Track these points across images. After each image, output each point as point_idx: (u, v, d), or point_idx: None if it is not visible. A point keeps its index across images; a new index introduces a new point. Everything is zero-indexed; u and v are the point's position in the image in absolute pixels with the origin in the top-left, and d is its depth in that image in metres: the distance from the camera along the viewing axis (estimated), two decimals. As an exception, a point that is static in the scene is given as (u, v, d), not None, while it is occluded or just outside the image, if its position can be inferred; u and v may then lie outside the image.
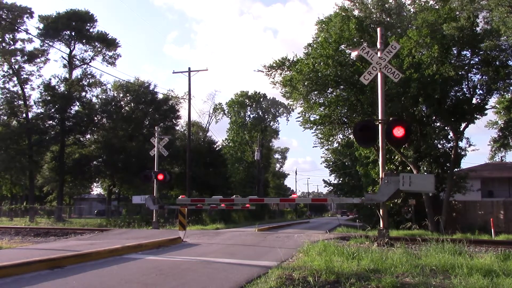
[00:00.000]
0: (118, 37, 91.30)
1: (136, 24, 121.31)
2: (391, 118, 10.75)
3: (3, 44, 40.59)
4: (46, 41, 42.08)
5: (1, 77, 41.04)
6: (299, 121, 27.30)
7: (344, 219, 61.87)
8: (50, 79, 42.63)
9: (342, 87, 26.06)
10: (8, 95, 40.94)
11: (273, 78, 30.71)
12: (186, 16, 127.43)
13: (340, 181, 52.76)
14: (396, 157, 26.67)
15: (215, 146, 50.76)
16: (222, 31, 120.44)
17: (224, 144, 64.88)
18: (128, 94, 46.10)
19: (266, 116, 69.92)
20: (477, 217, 27.24)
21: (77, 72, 44.69)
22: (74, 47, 44.53)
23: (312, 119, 26.68)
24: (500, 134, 26.88)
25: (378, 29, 11.32)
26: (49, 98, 40.81)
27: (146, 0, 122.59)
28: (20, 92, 41.59)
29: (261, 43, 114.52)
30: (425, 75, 22.38)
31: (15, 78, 41.32)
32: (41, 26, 42.14)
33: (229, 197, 15.43)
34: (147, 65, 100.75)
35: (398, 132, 10.15)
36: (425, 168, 25.90)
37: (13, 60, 40.66)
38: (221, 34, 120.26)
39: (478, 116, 25.04)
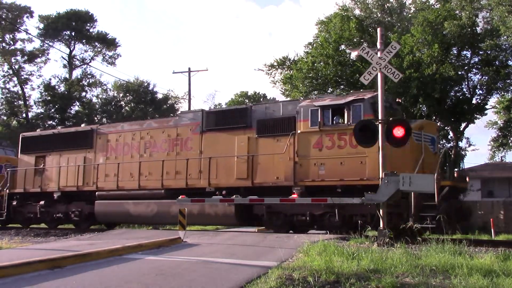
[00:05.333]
0: (117, 36, 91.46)
1: (134, 24, 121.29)
2: (391, 118, 10.73)
3: (3, 44, 40.56)
4: (46, 41, 42.10)
5: (1, 77, 41.05)
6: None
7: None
8: (50, 79, 42.61)
9: (342, 86, 26.05)
10: (8, 95, 40.92)
11: (273, 77, 30.77)
12: (182, 19, 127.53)
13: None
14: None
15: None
16: (218, 33, 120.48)
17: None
18: (128, 94, 46.09)
19: (266, 116, 69.77)
20: (477, 217, 27.20)
21: (77, 72, 44.75)
22: (74, 47, 44.56)
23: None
24: (500, 134, 26.91)
25: (378, 29, 11.32)
26: (49, 98, 40.77)
27: (142, 2, 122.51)
28: (20, 92, 41.57)
29: (258, 44, 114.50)
30: (425, 74, 22.38)
31: (15, 78, 41.29)
32: (41, 26, 42.15)
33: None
34: (145, 66, 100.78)
35: (398, 132, 10.15)
36: (425, 168, 25.87)
37: (13, 60, 40.61)
38: (218, 36, 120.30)
39: (478, 116, 25.10)
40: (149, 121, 17.85)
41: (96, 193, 16.60)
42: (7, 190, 18.38)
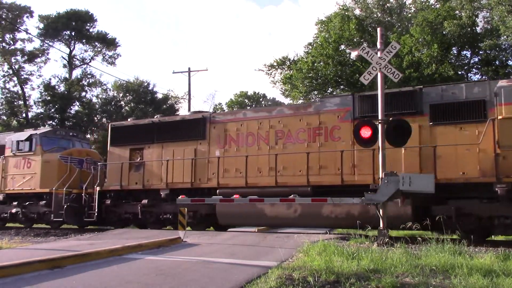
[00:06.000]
0: (117, 36, 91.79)
1: (134, 24, 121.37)
2: (391, 118, 10.72)
3: (3, 44, 40.55)
4: (46, 41, 42.09)
5: (1, 77, 41.05)
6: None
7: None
8: (50, 79, 42.63)
9: (342, 86, 26.06)
10: (8, 95, 40.92)
11: (273, 77, 30.80)
12: (182, 19, 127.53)
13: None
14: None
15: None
16: (218, 33, 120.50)
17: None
18: (128, 94, 46.12)
19: (266, 116, 69.56)
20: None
21: (77, 72, 44.76)
22: (74, 47, 44.55)
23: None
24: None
25: (378, 29, 11.31)
26: (49, 98, 40.78)
27: (142, 2, 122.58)
28: (20, 92, 41.57)
29: (258, 44, 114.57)
30: (424, 74, 22.39)
31: (15, 78, 41.29)
32: (41, 26, 42.15)
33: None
34: (145, 66, 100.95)
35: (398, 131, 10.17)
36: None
37: (13, 60, 40.60)
38: (218, 36, 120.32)
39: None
40: (280, 107, 15.40)
41: (218, 191, 14.54)
42: (98, 188, 16.37)
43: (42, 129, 19.51)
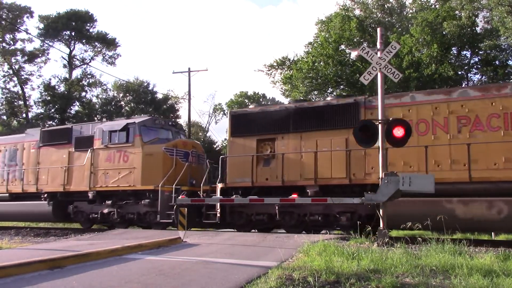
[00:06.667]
0: (117, 36, 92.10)
1: (134, 24, 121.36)
2: (391, 118, 10.72)
3: (3, 44, 40.61)
4: (46, 41, 42.13)
5: (1, 77, 41.10)
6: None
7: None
8: (50, 79, 42.73)
9: (342, 86, 26.09)
10: (8, 95, 40.98)
11: (273, 77, 30.84)
12: (182, 19, 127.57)
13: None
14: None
15: (215, 146, 50.83)
16: (218, 33, 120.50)
17: (224, 144, 64.76)
18: (128, 94, 46.18)
19: (266, 116, 69.49)
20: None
21: (77, 72, 44.80)
22: (74, 47, 44.61)
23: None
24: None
25: (378, 29, 11.31)
26: (49, 98, 40.82)
27: (142, 2, 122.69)
28: (20, 92, 41.61)
29: (257, 44, 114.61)
30: (424, 74, 22.42)
31: (15, 78, 41.33)
32: (41, 26, 42.22)
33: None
34: (145, 66, 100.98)
35: (398, 132, 10.16)
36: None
37: (13, 60, 40.67)
38: (217, 36, 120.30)
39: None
40: (462, 89, 13.15)
41: None
42: (220, 184, 14.45)
43: (139, 118, 17.05)
